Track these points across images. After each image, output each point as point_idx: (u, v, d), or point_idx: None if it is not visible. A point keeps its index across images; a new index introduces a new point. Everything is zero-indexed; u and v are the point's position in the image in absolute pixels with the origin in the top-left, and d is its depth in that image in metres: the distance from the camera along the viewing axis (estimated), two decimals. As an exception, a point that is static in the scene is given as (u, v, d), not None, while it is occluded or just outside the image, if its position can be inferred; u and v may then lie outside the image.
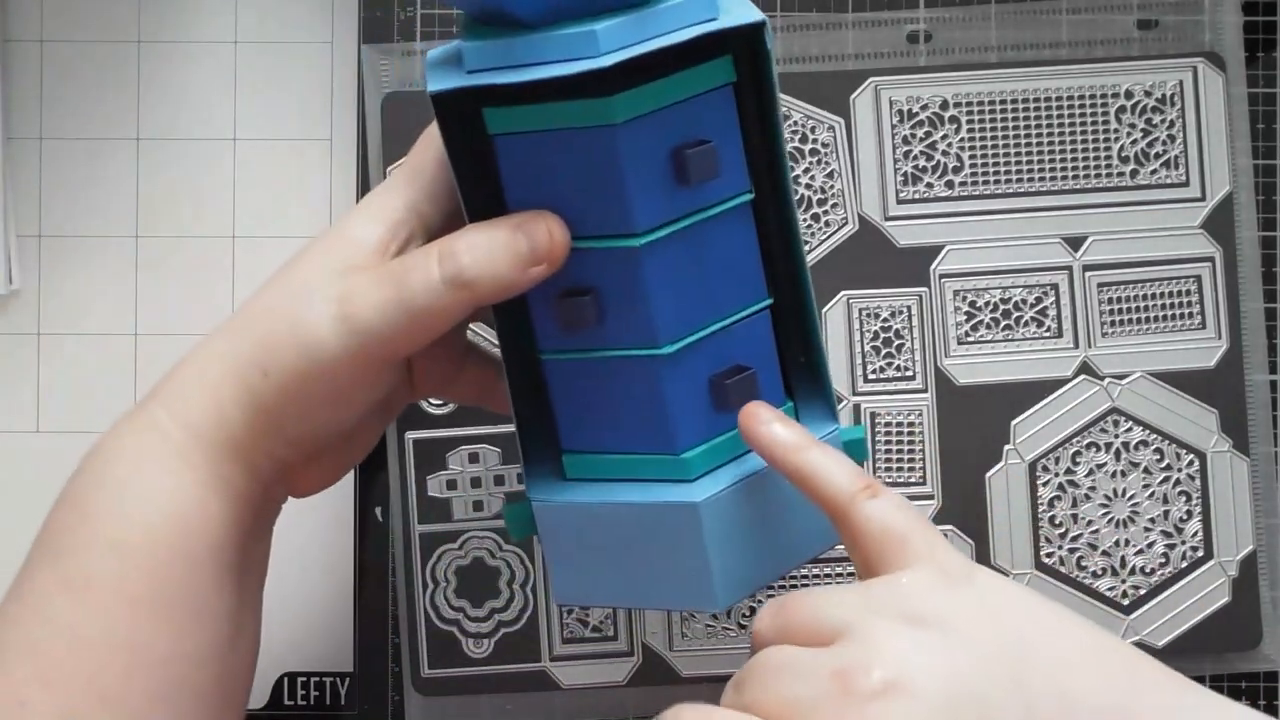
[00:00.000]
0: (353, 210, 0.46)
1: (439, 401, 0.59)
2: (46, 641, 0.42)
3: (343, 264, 0.44)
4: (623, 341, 0.44)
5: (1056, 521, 0.59)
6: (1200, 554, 0.59)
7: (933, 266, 0.60)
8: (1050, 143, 0.60)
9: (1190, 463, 0.59)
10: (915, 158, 0.60)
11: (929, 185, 0.60)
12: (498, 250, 0.42)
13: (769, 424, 0.42)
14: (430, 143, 0.46)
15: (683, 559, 0.44)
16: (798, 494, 0.44)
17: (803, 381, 0.47)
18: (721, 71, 0.43)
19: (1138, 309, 0.60)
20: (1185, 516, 0.59)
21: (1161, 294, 0.60)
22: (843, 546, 0.42)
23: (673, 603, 0.46)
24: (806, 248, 0.60)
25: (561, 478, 0.47)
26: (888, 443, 0.59)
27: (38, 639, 0.42)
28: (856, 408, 0.59)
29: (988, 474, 0.59)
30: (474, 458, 0.59)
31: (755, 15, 0.41)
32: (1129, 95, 0.60)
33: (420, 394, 0.49)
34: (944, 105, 0.60)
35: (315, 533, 0.60)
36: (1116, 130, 0.60)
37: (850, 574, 0.58)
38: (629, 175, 0.42)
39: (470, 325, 0.51)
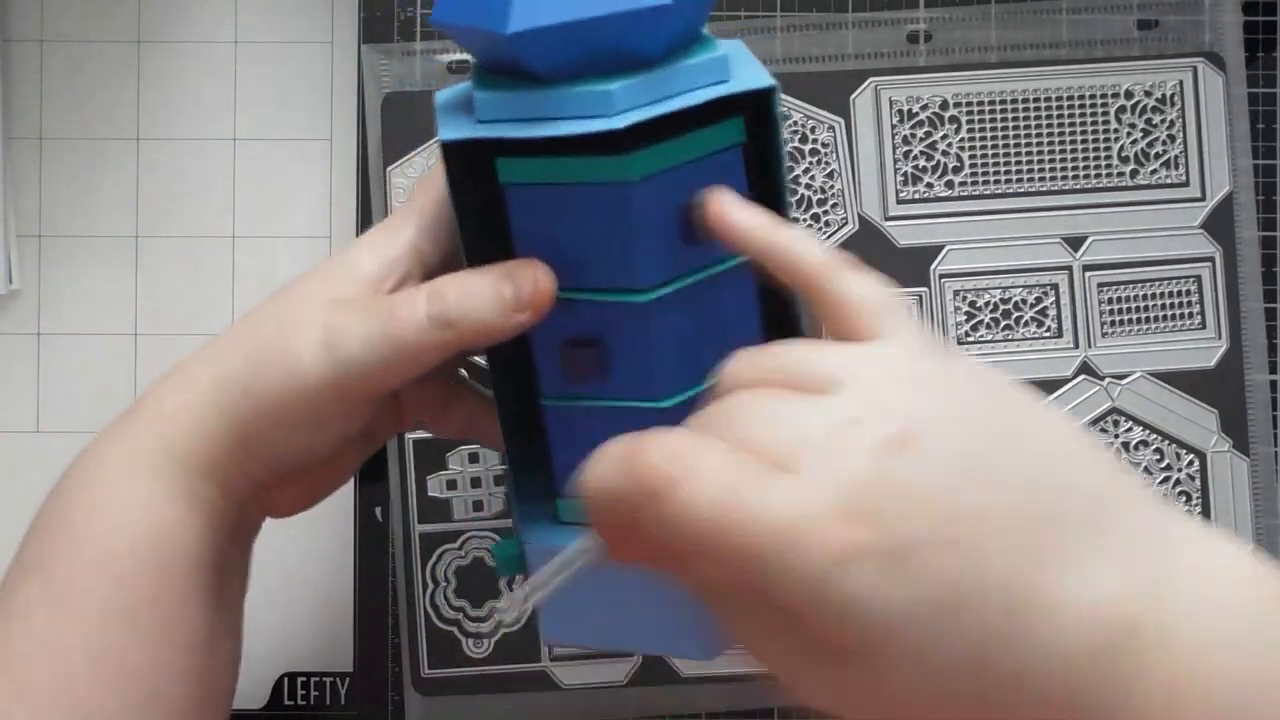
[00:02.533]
0: (353, 243, 0.46)
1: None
2: (24, 655, 0.42)
3: (336, 295, 0.44)
4: (624, 393, 0.44)
5: (1056, 521, 0.59)
6: (1200, 554, 0.59)
7: (933, 266, 0.60)
8: (1050, 143, 0.60)
9: (1190, 463, 0.59)
10: (915, 158, 0.60)
11: (929, 185, 0.60)
12: (483, 294, 0.42)
13: (737, 209, 0.41)
14: (434, 183, 0.46)
15: (679, 606, 0.44)
16: None
17: None
18: (732, 132, 0.43)
19: (1138, 309, 0.60)
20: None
21: (1161, 294, 0.60)
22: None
23: (666, 648, 0.46)
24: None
25: (555, 520, 0.47)
26: (888, 443, 0.59)
27: (17, 652, 0.43)
28: (856, 408, 0.59)
29: (988, 474, 0.59)
30: (474, 458, 0.59)
31: (766, 80, 0.42)
32: (1129, 95, 0.60)
33: (408, 425, 0.50)
34: (944, 105, 0.60)
35: (315, 532, 0.60)
36: (1116, 130, 0.60)
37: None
38: (639, 231, 0.42)
39: (471, 358, 0.51)
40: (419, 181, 0.46)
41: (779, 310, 0.45)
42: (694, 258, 0.43)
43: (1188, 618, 0.33)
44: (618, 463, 0.35)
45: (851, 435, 0.34)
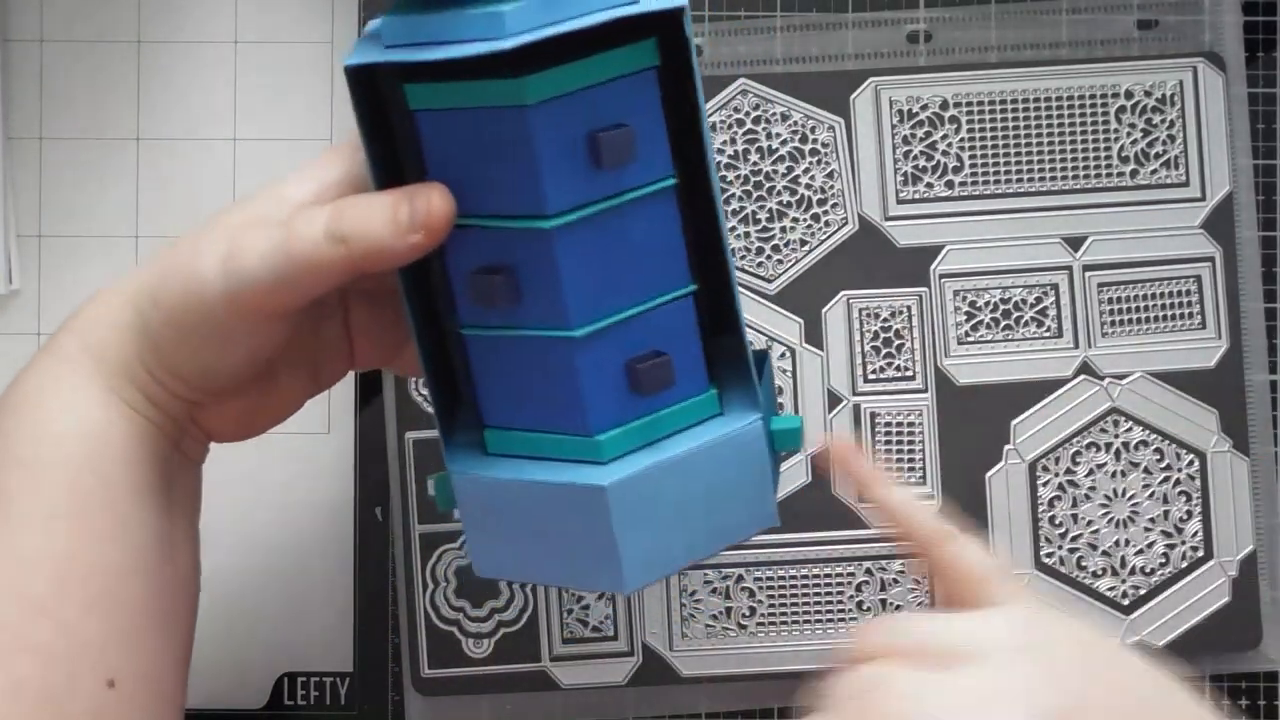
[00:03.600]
0: (291, 173, 0.46)
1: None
2: None
3: (259, 214, 0.45)
4: (538, 321, 0.44)
5: (1056, 521, 0.59)
6: (1200, 554, 0.59)
7: (933, 266, 0.60)
8: (1050, 143, 0.60)
9: (1190, 463, 0.59)
10: (915, 158, 0.60)
11: (929, 185, 0.60)
12: (378, 213, 0.42)
13: (856, 455, 0.47)
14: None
15: (593, 540, 0.44)
16: (724, 480, 0.45)
17: (727, 369, 0.47)
18: (644, 55, 0.42)
19: (1138, 309, 0.60)
20: (1185, 516, 0.59)
21: (1161, 294, 0.60)
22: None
23: (584, 583, 0.46)
24: (806, 248, 0.60)
25: (483, 451, 0.47)
26: (888, 443, 0.59)
27: None
28: (856, 408, 0.59)
29: (988, 474, 0.59)
30: (474, 458, 0.59)
31: (673, 2, 0.41)
32: (1129, 95, 0.60)
33: (361, 364, 0.50)
34: (944, 105, 0.60)
35: (315, 533, 0.60)
36: (1116, 130, 0.60)
37: (837, 576, 0.59)
38: (542, 156, 0.42)
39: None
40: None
41: (704, 236, 0.45)
42: (607, 184, 0.43)
43: None
44: None
45: (1016, 710, 0.37)
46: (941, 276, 0.60)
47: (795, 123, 0.60)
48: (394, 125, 0.44)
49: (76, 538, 0.43)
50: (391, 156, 0.45)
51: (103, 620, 0.43)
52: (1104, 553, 0.59)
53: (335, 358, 0.49)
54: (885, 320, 0.59)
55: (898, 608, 0.59)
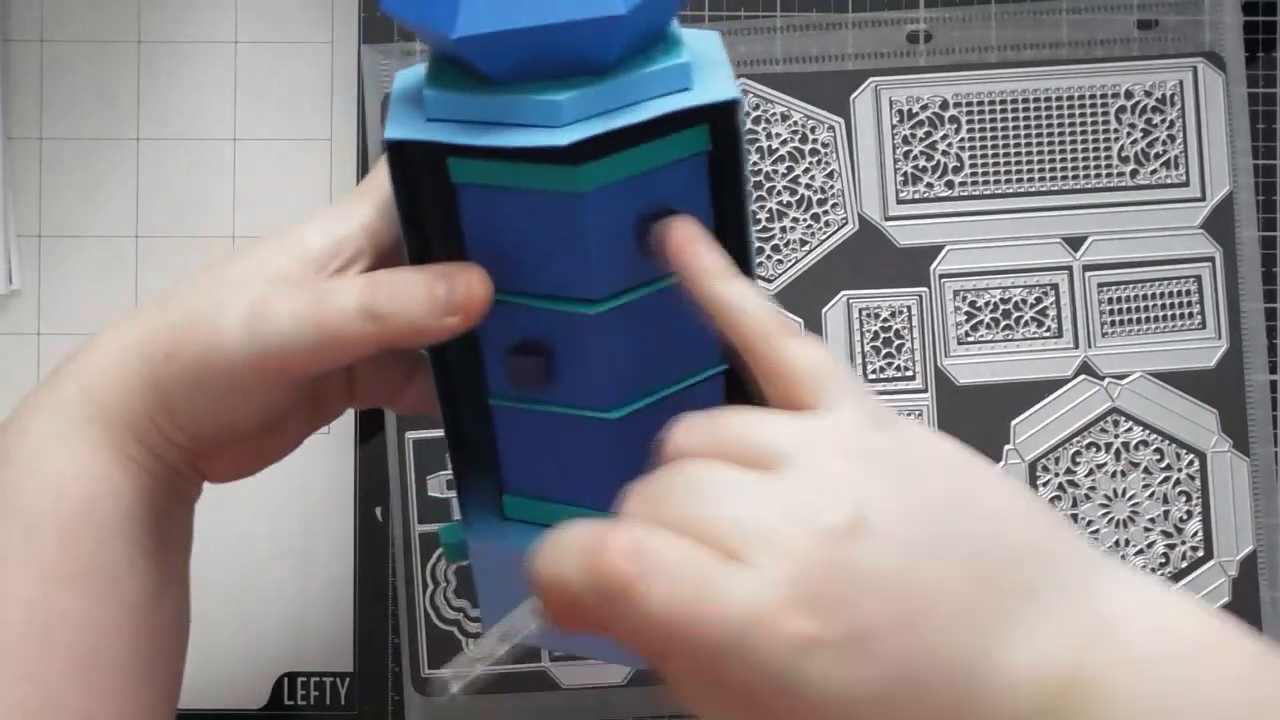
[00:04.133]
0: (308, 219, 0.45)
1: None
2: None
3: (278, 270, 0.44)
4: (573, 401, 0.43)
5: (1056, 521, 0.59)
6: (1200, 554, 0.59)
7: (933, 266, 0.60)
8: (1050, 143, 0.60)
9: (1190, 463, 0.59)
10: (915, 158, 0.60)
11: (929, 185, 0.60)
12: (415, 292, 0.42)
13: (695, 247, 0.41)
14: None
15: None
16: None
17: None
18: (695, 140, 0.42)
19: (1138, 309, 0.60)
20: (1185, 516, 0.59)
21: (1161, 294, 0.60)
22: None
23: (604, 656, 0.46)
24: (806, 248, 0.60)
25: (500, 515, 0.47)
26: (888, 443, 0.59)
27: None
28: (856, 408, 0.59)
29: (988, 474, 0.59)
30: (474, 458, 0.59)
31: (729, 92, 0.40)
32: (1129, 95, 0.60)
33: (362, 403, 0.49)
34: (944, 105, 0.60)
35: (315, 533, 0.60)
36: (1116, 130, 0.60)
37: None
38: (592, 242, 0.41)
39: None
40: (380, 160, 0.45)
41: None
42: (651, 267, 0.42)
43: (1126, 668, 0.34)
44: (575, 557, 0.35)
45: (801, 522, 0.34)
46: (941, 276, 0.60)
47: (795, 123, 0.60)
48: (423, 193, 0.43)
49: (66, 599, 0.42)
50: (430, 227, 0.44)
51: (86, 684, 0.43)
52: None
53: (337, 397, 0.48)
54: (885, 320, 0.59)
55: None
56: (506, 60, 0.39)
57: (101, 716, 0.43)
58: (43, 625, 0.42)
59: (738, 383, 0.45)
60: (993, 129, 0.60)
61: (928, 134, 0.60)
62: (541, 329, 0.43)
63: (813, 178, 0.60)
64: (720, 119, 0.41)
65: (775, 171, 0.60)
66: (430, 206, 0.42)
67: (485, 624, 0.47)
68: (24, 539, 0.43)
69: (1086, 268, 0.60)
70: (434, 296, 0.42)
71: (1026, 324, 0.60)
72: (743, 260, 0.43)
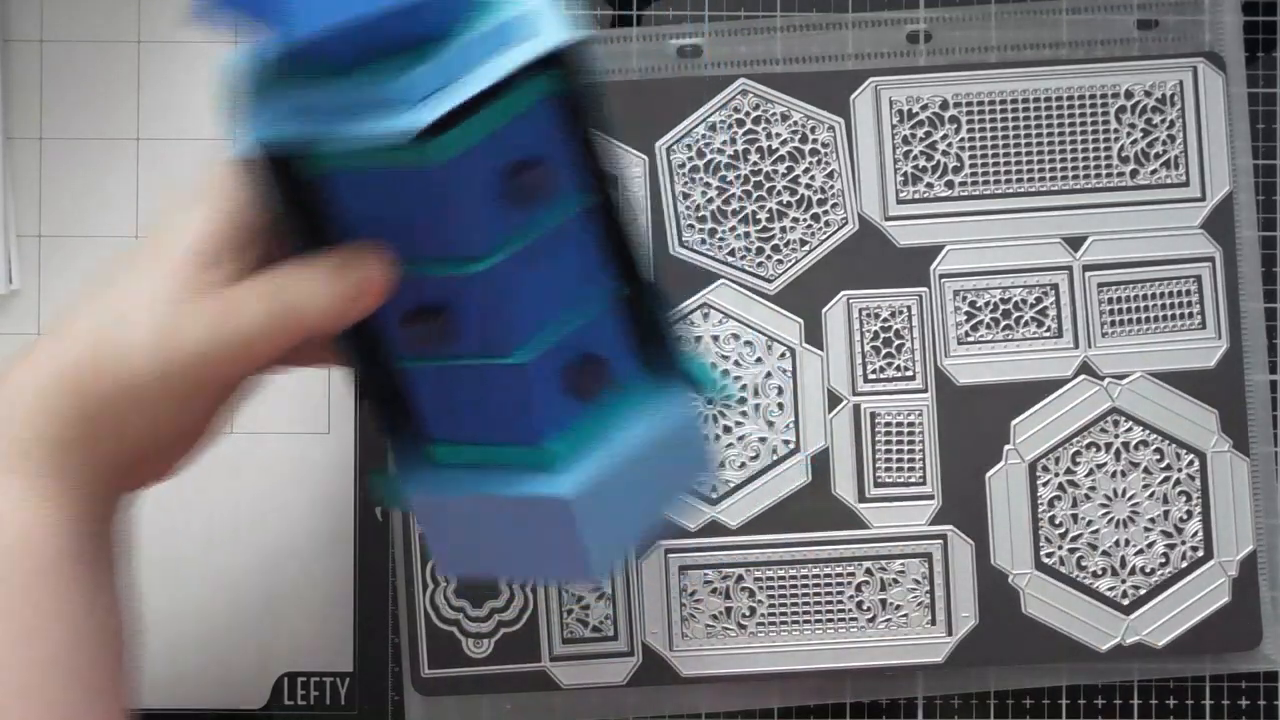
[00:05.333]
0: (174, 219, 0.45)
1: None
2: None
3: (173, 283, 0.43)
4: (477, 352, 0.44)
5: (1056, 521, 0.59)
6: (1200, 554, 0.59)
7: (933, 266, 0.60)
8: (1050, 143, 0.60)
9: (1190, 463, 0.59)
10: (915, 158, 0.60)
11: (929, 185, 0.60)
12: (319, 288, 0.42)
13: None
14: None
15: (558, 543, 0.45)
16: (670, 456, 0.46)
17: (661, 365, 0.48)
18: (545, 86, 0.42)
19: (1138, 309, 0.60)
20: (1185, 516, 0.59)
21: (1161, 294, 0.60)
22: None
23: (555, 577, 0.48)
24: (806, 248, 0.60)
25: (433, 461, 0.47)
26: (888, 443, 0.59)
27: None
28: (856, 408, 0.59)
29: (988, 474, 0.59)
30: (474, 458, 0.59)
31: (563, 35, 0.41)
32: (1129, 95, 0.60)
33: (280, 373, 0.49)
34: (944, 105, 0.60)
35: (315, 533, 0.60)
36: (1116, 130, 0.60)
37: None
38: (460, 206, 0.41)
39: None
40: (227, 155, 0.45)
41: (623, 253, 0.46)
42: (528, 216, 0.43)
43: None
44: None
45: None
46: (941, 276, 0.60)
47: (795, 123, 0.60)
48: (295, 185, 0.43)
49: (5, 637, 0.42)
50: (306, 215, 0.44)
51: (37, 715, 0.42)
52: (1104, 553, 0.59)
53: (255, 379, 0.48)
54: (885, 320, 0.59)
55: (898, 608, 0.59)
56: (339, 51, 0.39)
57: None
58: None
59: (637, 309, 0.46)
60: (993, 129, 0.60)
61: (928, 134, 0.60)
62: (434, 292, 0.43)
63: (813, 178, 0.60)
64: (563, 61, 0.41)
65: (775, 171, 0.60)
66: (304, 196, 0.43)
67: (442, 567, 0.48)
68: None
69: (1086, 268, 0.60)
70: (337, 287, 0.42)
71: (1026, 324, 0.60)
72: (611, 196, 0.44)
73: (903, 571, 0.59)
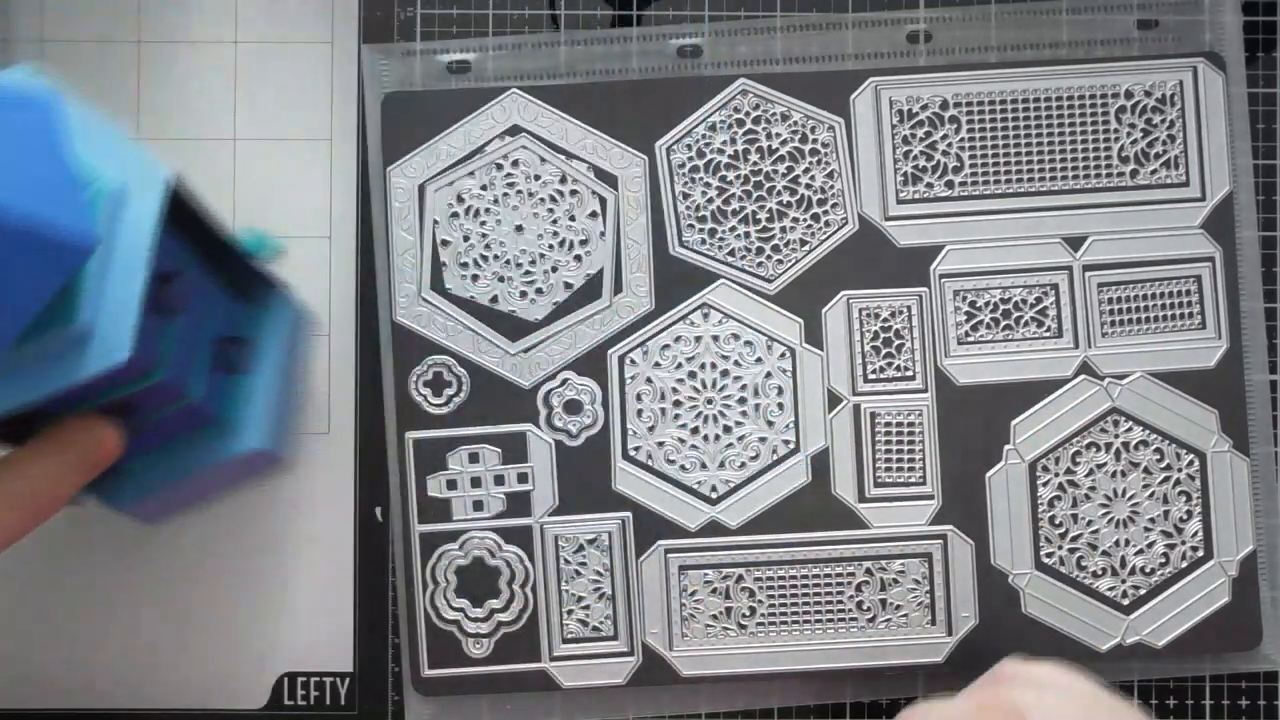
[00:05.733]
0: None
1: (439, 401, 0.59)
2: None
3: None
4: (153, 409, 0.51)
5: (1056, 521, 0.59)
6: (1200, 554, 0.59)
7: (933, 266, 0.60)
8: (1050, 143, 0.60)
9: (1190, 463, 0.59)
10: (915, 158, 0.60)
11: (929, 185, 0.60)
12: (61, 476, 0.47)
13: None
14: None
15: (253, 475, 0.58)
16: (293, 346, 0.57)
17: (248, 286, 0.56)
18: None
19: (1138, 309, 0.60)
20: (1185, 516, 0.59)
21: (1161, 294, 0.60)
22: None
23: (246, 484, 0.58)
24: (806, 248, 0.60)
25: (133, 477, 0.54)
26: (888, 443, 0.59)
27: None
28: (856, 408, 0.59)
29: (988, 474, 0.59)
30: (474, 458, 0.59)
31: (161, 176, 0.47)
32: (1129, 95, 0.60)
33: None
34: (944, 105, 0.60)
35: (315, 533, 0.60)
36: (1116, 130, 0.60)
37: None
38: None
39: None
40: None
41: (206, 238, 0.52)
42: (176, 319, 0.49)
43: None
44: None
45: None
46: (941, 276, 0.60)
47: (795, 123, 0.60)
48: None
49: None
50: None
51: None
52: (1104, 553, 0.59)
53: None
54: (885, 320, 0.59)
55: (898, 608, 0.59)
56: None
57: None
58: None
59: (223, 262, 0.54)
60: (993, 129, 0.60)
61: (928, 134, 0.60)
62: (118, 397, 0.49)
63: (813, 178, 0.60)
64: (171, 191, 0.48)
65: (775, 171, 0.60)
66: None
67: (144, 521, 0.57)
68: None
69: (1086, 268, 0.60)
70: (81, 463, 0.47)
71: (1026, 324, 0.60)
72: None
73: (903, 571, 0.59)
